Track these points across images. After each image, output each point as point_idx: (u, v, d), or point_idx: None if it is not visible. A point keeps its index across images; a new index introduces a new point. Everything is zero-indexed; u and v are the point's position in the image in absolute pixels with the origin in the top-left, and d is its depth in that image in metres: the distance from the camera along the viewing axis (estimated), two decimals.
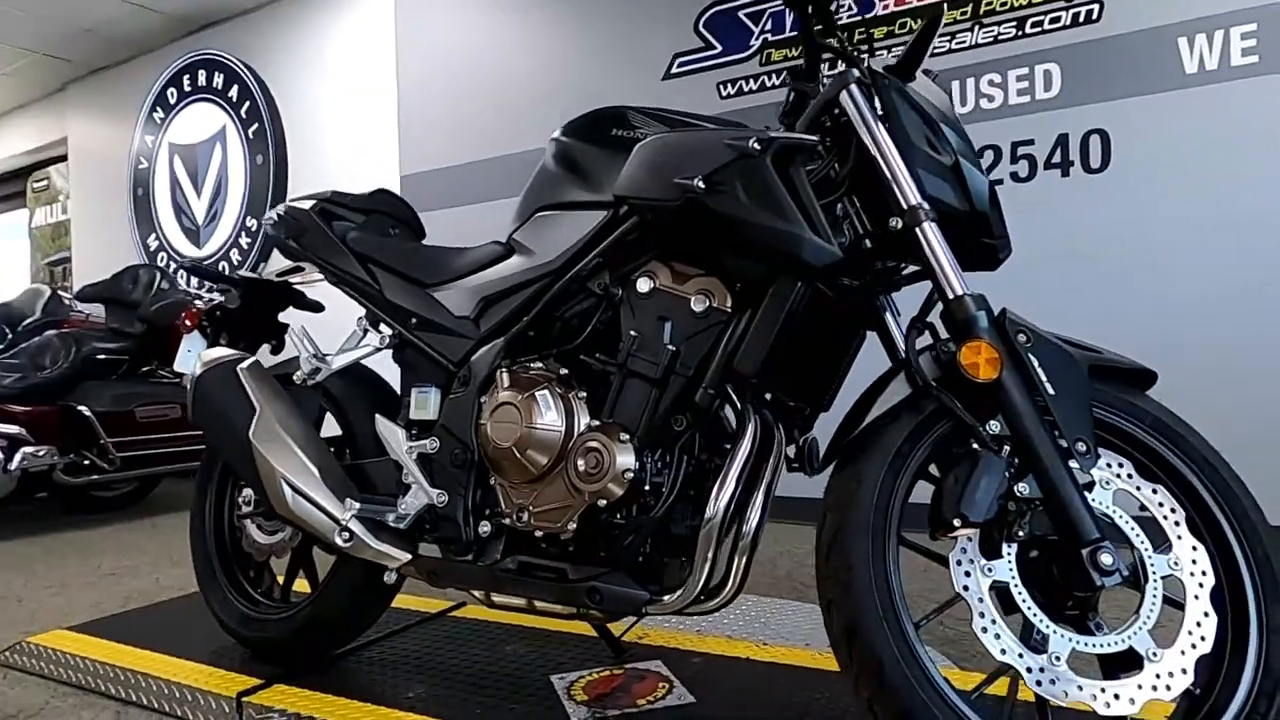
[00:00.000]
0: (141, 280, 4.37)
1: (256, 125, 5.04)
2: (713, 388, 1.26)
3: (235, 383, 1.61)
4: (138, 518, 4.10)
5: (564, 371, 1.39)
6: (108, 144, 5.92)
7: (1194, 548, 1.10)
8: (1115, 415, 1.16)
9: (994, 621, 1.06)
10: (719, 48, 3.55)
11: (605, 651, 1.75)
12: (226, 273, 3.87)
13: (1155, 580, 1.09)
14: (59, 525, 3.92)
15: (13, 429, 3.71)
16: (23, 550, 3.36)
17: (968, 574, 1.08)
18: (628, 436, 1.29)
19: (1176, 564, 1.09)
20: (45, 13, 5.06)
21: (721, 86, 3.54)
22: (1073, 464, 1.08)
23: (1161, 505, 1.12)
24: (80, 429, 3.83)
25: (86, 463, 3.87)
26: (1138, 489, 1.13)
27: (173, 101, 5.45)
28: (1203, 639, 1.06)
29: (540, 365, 1.42)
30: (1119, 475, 1.13)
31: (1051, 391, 1.11)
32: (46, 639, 2.00)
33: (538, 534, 1.36)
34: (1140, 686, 1.03)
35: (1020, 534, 1.08)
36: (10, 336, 4.47)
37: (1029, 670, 1.04)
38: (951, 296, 1.16)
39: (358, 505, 1.49)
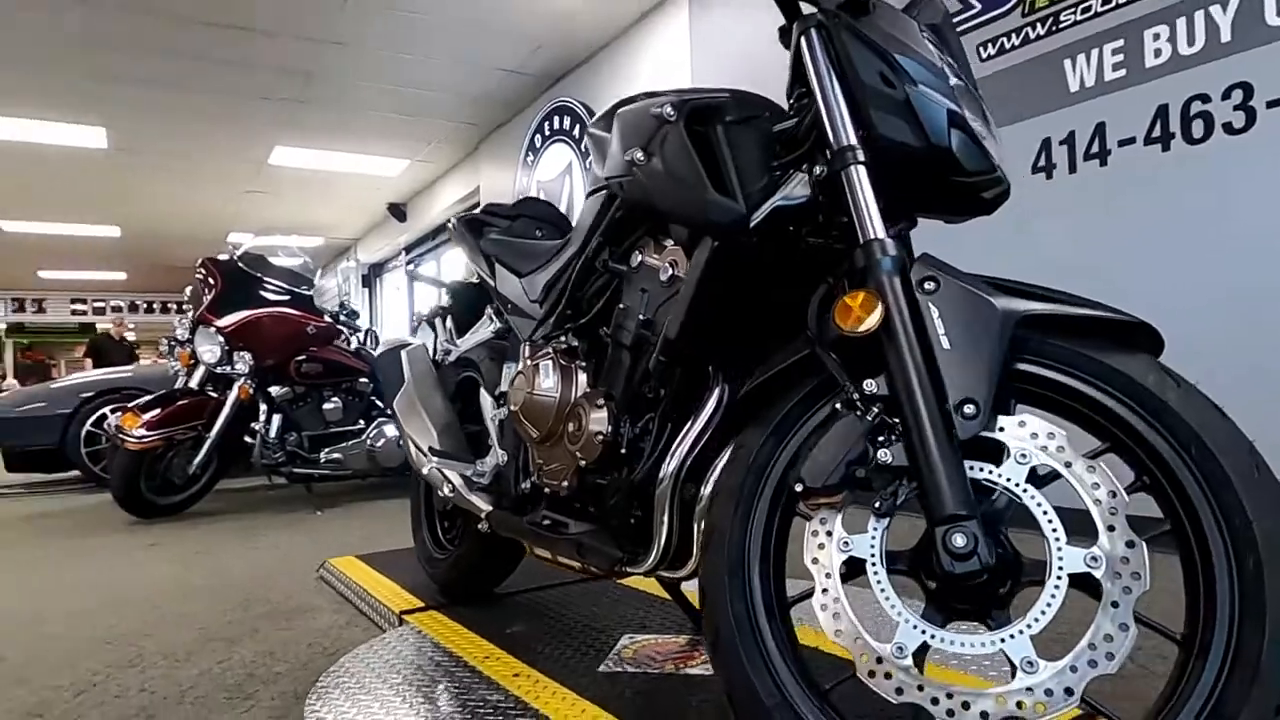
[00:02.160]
0: None
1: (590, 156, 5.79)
2: (665, 355, 1.28)
3: (397, 361, 2.02)
4: None
5: (574, 344, 1.51)
6: (504, 186, 7.27)
7: (1130, 544, 0.85)
8: (1069, 376, 0.94)
9: (835, 600, 0.94)
10: (977, 6, 3.21)
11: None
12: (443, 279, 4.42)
13: (1058, 576, 0.86)
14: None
15: None
16: (366, 512, 4.36)
17: (821, 546, 0.97)
18: (604, 402, 1.37)
19: (1095, 561, 0.85)
20: (457, 89, 6.40)
21: (982, 49, 3.20)
22: (958, 429, 0.91)
23: (1096, 487, 0.88)
24: None
25: None
26: (1067, 465, 0.90)
27: (539, 145, 6.51)
28: (1109, 658, 0.82)
29: (559, 339, 1.56)
30: (1045, 448, 0.91)
31: (946, 345, 0.94)
32: (338, 561, 2.69)
33: (548, 491, 1.51)
34: (1000, 700, 0.83)
35: (879, 506, 0.94)
36: None
37: (861, 658, 0.90)
38: (861, 241, 1.05)
39: (456, 463, 1.78)
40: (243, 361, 4.30)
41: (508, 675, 1.54)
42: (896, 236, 1.16)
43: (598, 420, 1.37)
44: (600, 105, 5.64)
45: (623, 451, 1.36)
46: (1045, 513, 0.89)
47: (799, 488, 0.96)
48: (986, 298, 0.95)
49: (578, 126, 5.95)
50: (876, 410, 0.95)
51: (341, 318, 4.72)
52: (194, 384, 4.43)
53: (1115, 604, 0.83)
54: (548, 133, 6.36)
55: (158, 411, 4.15)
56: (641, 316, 1.34)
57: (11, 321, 16.89)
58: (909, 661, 0.88)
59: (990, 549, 0.87)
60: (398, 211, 10.05)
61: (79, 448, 5.75)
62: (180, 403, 4.24)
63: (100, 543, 3.68)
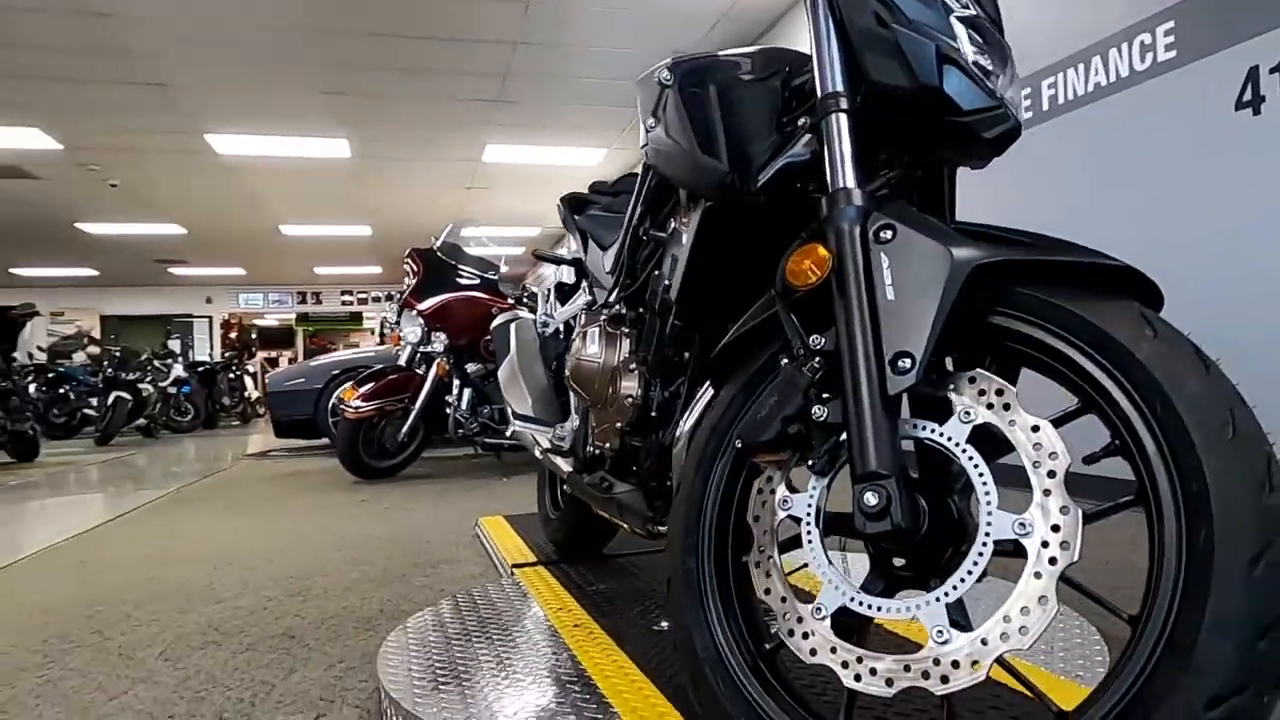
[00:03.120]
0: None
1: None
2: (676, 318, 1.30)
3: (506, 333, 2.17)
4: None
5: (622, 311, 1.56)
6: None
7: (1064, 509, 0.76)
8: (1038, 328, 0.85)
9: (769, 558, 0.91)
10: None
11: None
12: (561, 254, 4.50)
13: (983, 543, 0.78)
14: None
15: None
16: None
17: (764, 504, 0.94)
18: (635, 366, 1.41)
19: (1024, 528, 0.77)
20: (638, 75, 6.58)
21: None
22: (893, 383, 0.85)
23: (1038, 448, 0.79)
24: None
25: None
26: (1011, 424, 0.81)
27: None
28: (1022, 632, 0.73)
29: (610, 307, 1.60)
30: (991, 405, 0.83)
31: (890, 296, 0.88)
32: (487, 520, 2.94)
33: (598, 453, 1.57)
34: (907, 669, 0.78)
35: (814, 464, 0.90)
36: None
37: (784, 616, 0.87)
38: (829, 191, 1.00)
39: (539, 428, 1.89)
40: (439, 341, 4.77)
41: (569, 626, 1.63)
42: (886, 185, 1.10)
43: (629, 385, 1.41)
44: None
45: (653, 414, 1.40)
46: (981, 475, 0.81)
47: (738, 444, 0.94)
48: (941, 246, 0.88)
49: None
50: (817, 365, 0.92)
51: (524, 300, 5.07)
52: (402, 362, 4.99)
53: (1038, 574, 0.75)
54: None
55: (372, 385, 4.72)
56: (666, 283, 1.36)
57: (299, 312, 19.73)
58: (827, 623, 0.85)
59: (909, 510, 0.81)
60: None
61: (326, 417, 6.66)
62: (390, 378, 4.79)
63: (323, 498, 4.27)
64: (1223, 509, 0.68)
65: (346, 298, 18.99)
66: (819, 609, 0.86)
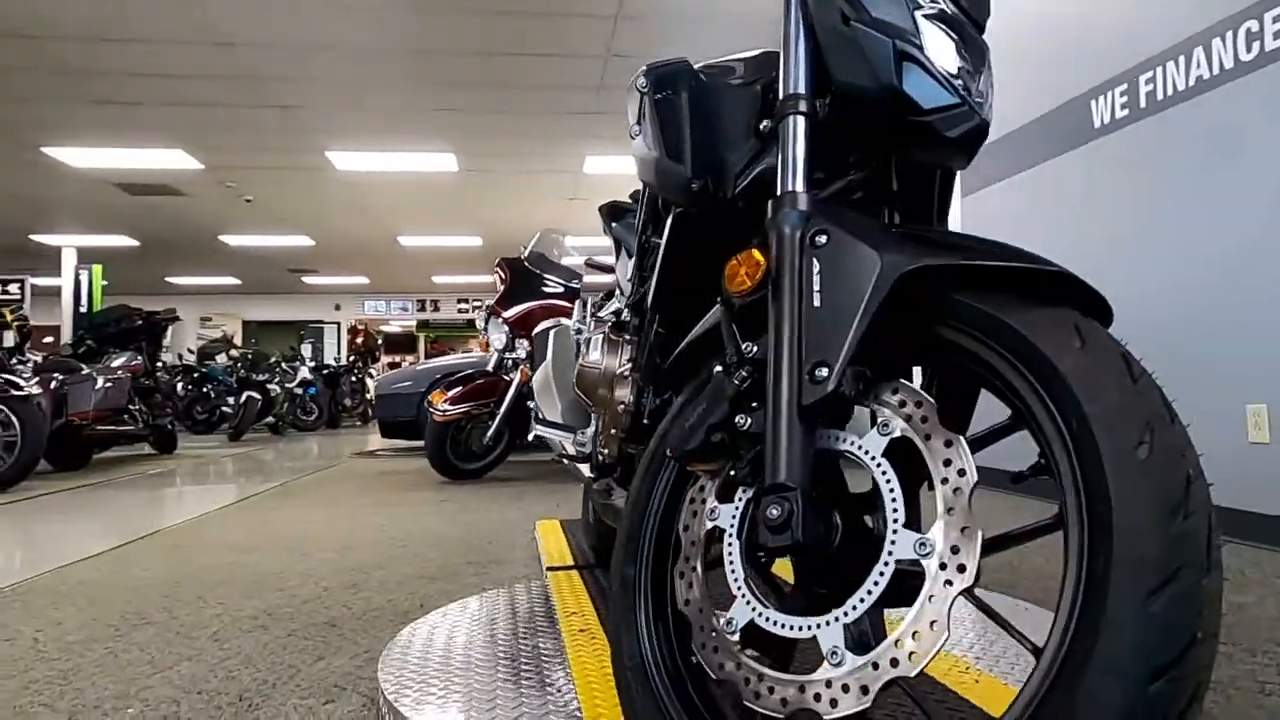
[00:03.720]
0: None
1: None
2: (663, 327, 1.29)
3: (544, 341, 2.21)
4: None
5: (625, 319, 1.56)
6: None
7: (965, 529, 0.71)
8: (969, 337, 0.80)
9: (694, 569, 0.89)
10: None
11: None
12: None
13: (885, 562, 0.74)
14: None
15: None
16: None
17: (694, 514, 0.92)
18: (628, 374, 1.42)
19: (924, 548, 0.72)
20: None
21: None
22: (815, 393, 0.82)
23: (948, 464, 0.74)
24: None
25: None
26: (926, 439, 0.77)
27: None
28: (910, 659, 0.69)
29: (620, 314, 1.61)
30: (910, 418, 0.79)
31: (816, 303, 0.85)
32: (542, 523, 3.00)
33: (603, 460, 1.58)
34: (802, 690, 0.74)
35: (737, 475, 0.87)
36: None
37: (700, 629, 0.85)
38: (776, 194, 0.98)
39: (560, 432, 1.92)
40: (522, 348, 4.90)
41: (575, 631, 1.65)
42: (849, 189, 1.07)
43: (623, 392, 1.41)
44: None
45: (645, 422, 1.39)
46: (891, 489, 0.77)
47: (667, 453, 0.93)
48: (871, 250, 0.84)
49: None
50: (745, 374, 0.90)
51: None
52: (490, 367, 5.15)
53: (932, 598, 0.70)
54: None
55: (459, 390, 4.90)
56: (642, 289, 1.36)
57: (419, 319, 20.70)
58: (736, 637, 0.83)
59: (811, 525, 0.78)
60: None
61: (428, 419, 6.95)
62: (476, 383, 4.96)
63: (408, 496, 4.46)
64: (1125, 535, 0.63)
65: (462, 305, 19.75)
66: (730, 622, 0.84)
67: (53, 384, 6.11)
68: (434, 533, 3.27)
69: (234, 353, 12.62)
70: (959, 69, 1.00)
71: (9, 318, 7.80)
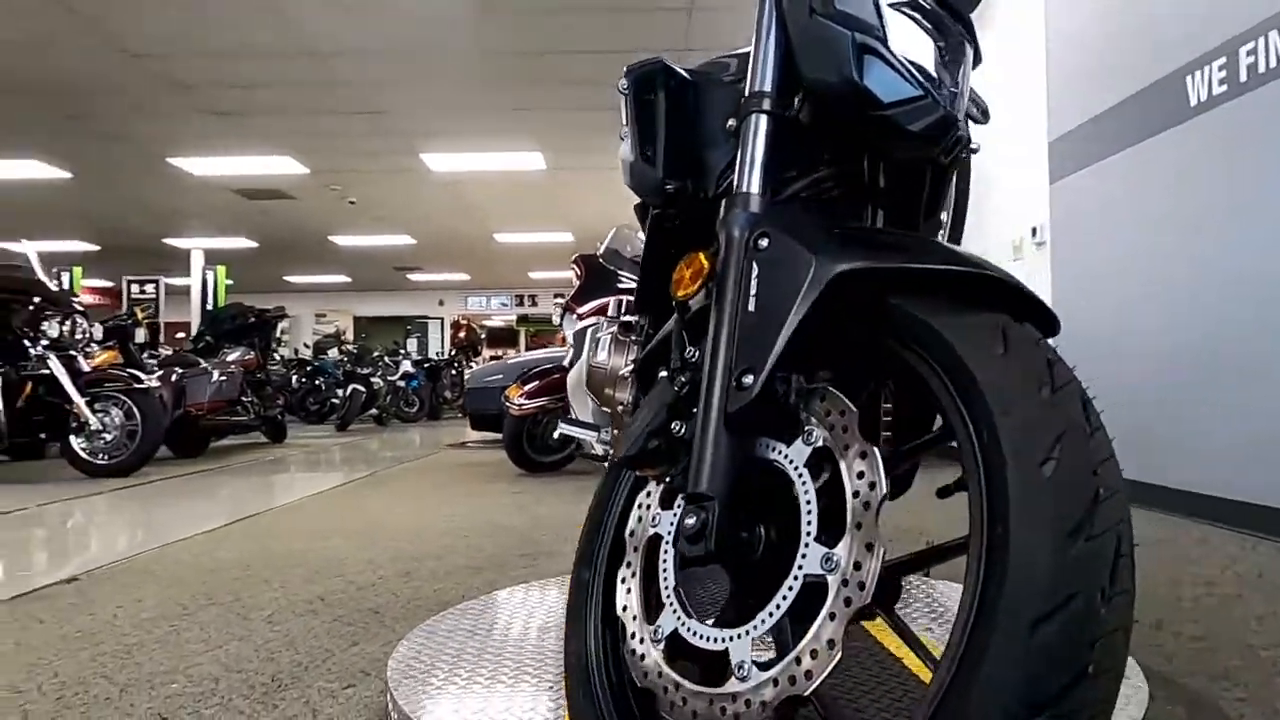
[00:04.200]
0: None
1: None
2: (653, 328, 1.28)
3: (581, 339, 2.24)
4: None
5: (630, 319, 1.56)
6: None
7: (869, 545, 0.68)
8: (900, 343, 0.77)
9: (633, 575, 0.88)
10: None
11: None
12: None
13: (795, 577, 0.72)
14: None
15: None
16: None
17: (639, 519, 0.91)
18: (628, 374, 1.42)
19: (830, 564, 0.69)
20: None
21: None
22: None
23: (861, 476, 0.71)
24: None
25: None
26: (845, 448, 0.74)
27: None
28: (807, 678, 0.67)
29: (626, 316, 1.61)
30: (833, 427, 0.76)
31: (751, 308, 0.83)
32: None
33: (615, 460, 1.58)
34: (711, 703, 0.73)
35: (672, 480, 0.86)
36: None
37: (631, 636, 0.84)
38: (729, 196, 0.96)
39: (584, 431, 1.94)
40: None
41: None
42: (815, 188, 1.03)
43: (623, 393, 1.42)
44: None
45: None
46: (808, 501, 0.75)
47: (614, 458, 0.93)
48: (807, 253, 0.82)
49: None
50: (685, 379, 0.89)
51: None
52: (566, 363, 5.23)
53: (833, 616, 0.67)
54: None
55: (534, 384, 5.00)
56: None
57: (520, 314, 21.26)
58: (661, 646, 0.82)
59: (725, 535, 0.76)
60: None
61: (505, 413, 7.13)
62: (552, 377, 5.05)
63: (484, 488, 4.60)
64: (1018, 558, 0.59)
65: (558, 300, 20.11)
66: (657, 631, 0.83)
67: (173, 377, 6.60)
68: (498, 524, 3.36)
69: (346, 347, 13.32)
70: (929, 60, 0.95)
71: (140, 316, 8.46)
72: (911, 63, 0.94)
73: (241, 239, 13.10)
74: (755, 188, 0.94)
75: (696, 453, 0.81)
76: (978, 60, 1.27)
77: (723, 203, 0.94)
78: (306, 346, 13.38)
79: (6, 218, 10.34)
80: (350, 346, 12.14)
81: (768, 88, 0.99)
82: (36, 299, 5.29)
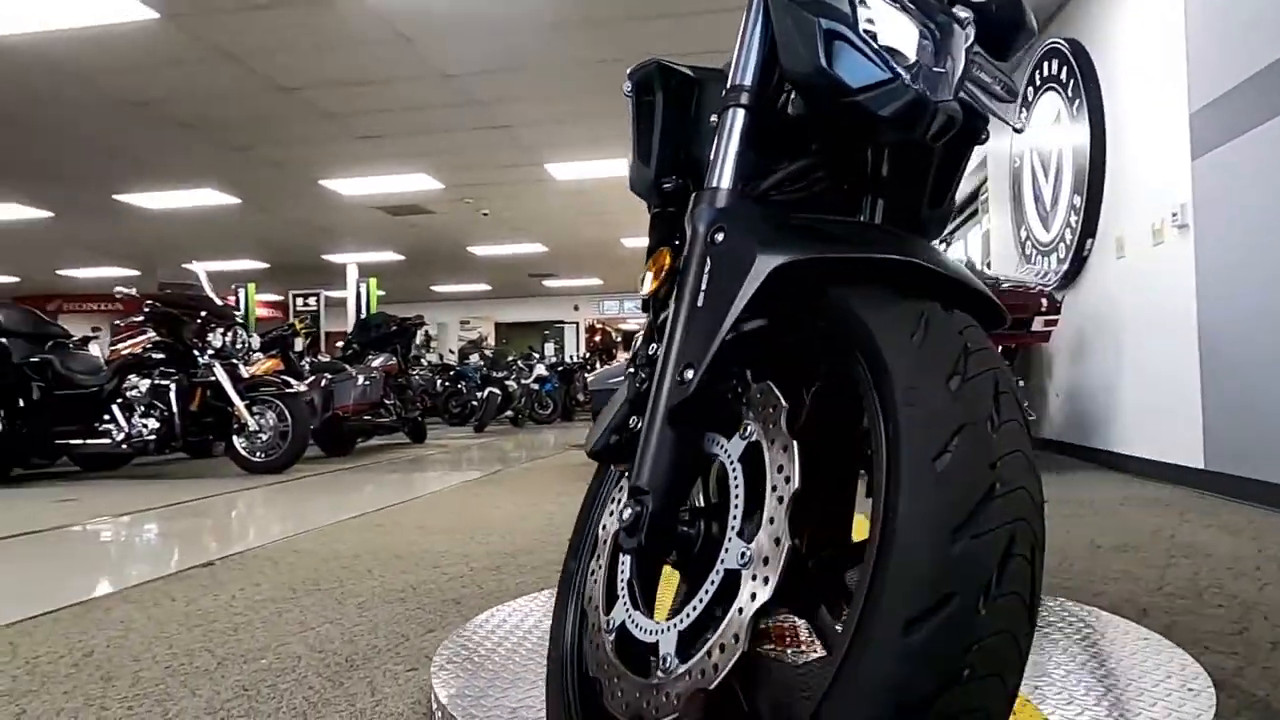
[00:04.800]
0: None
1: (1078, 101, 4.96)
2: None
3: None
4: None
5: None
6: (1001, 154, 6.66)
7: (777, 540, 0.66)
8: (837, 334, 0.75)
9: (601, 567, 0.89)
10: None
11: None
12: None
13: (718, 571, 0.71)
14: None
15: None
16: None
17: (610, 513, 0.92)
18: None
19: (744, 558, 0.68)
20: None
21: None
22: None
23: (780, 470, 0.70)
24: None
25: None
26: (772, 443, 0.72)
27: (1030, 98, 5.80)
28: (714, 670, 0.66)
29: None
30: (764, 421, 0.75)
31: (699, 303, 0.83)
32: None
33: None
34: (639, 694, 0.73)
35: (629, 474, 0.86)
36: None
37: (592, 627, 0.85)
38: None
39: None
40: None
41: None
42: (801, 180, 1.02)
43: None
44: (1096, 38, 4.80)
45: None
46: (736, 496, 0.74)
47: (587, 451, 0.95)
48: (752, 246, 0.81)
49: (1065, 69, 5.15)
50: (644, 375, 0.89)
51: None
52: None
53: (740, 610, 0.67)
54: (1038, 82, 5.64)
55: None
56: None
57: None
58: (612, 638, 0.83)
59: (657, 529, 0.76)
60: None
61: None
62: None
63: (573, 486, 4.71)
64: (900, 555, 0.57)
65: None
66: (609, 622, 0.84)
67: (322, 382, 7.17)
68: (553, 524, 3.44)
69: (485, 352, 13.97)
70: (909, 42, 0.92)
71: (298, 327, 9.23)
72: (885, 45, 0.91)
73: (390, 252, 14.00)
74: (725, 182, 0.93)
75: (640, 447, 0.82)
76: (1022, 40, 1.22)
77: (691, 197, 0.95)
78: (452, 352, 14.12)
79: (191, 240, 11.56)
80: (487, 351, 12.71)
81: (747, 81, 0.98)
82: (203, 313, 5.88)
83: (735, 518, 0.73)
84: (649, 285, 0.92)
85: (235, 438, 5.85)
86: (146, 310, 5.89)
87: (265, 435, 5.86)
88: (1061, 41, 5.17)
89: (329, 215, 10.86)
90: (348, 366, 7.77)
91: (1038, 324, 4.65)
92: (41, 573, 2.94)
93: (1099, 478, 4.47)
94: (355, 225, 11.60)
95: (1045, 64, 5.48)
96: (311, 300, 14.48)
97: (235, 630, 1.99)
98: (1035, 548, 0.57)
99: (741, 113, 0.97)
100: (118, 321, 8.03)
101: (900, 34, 0.92)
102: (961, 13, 1.05)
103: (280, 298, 16.36)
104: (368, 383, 7.64)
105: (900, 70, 0.89)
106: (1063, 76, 5.19)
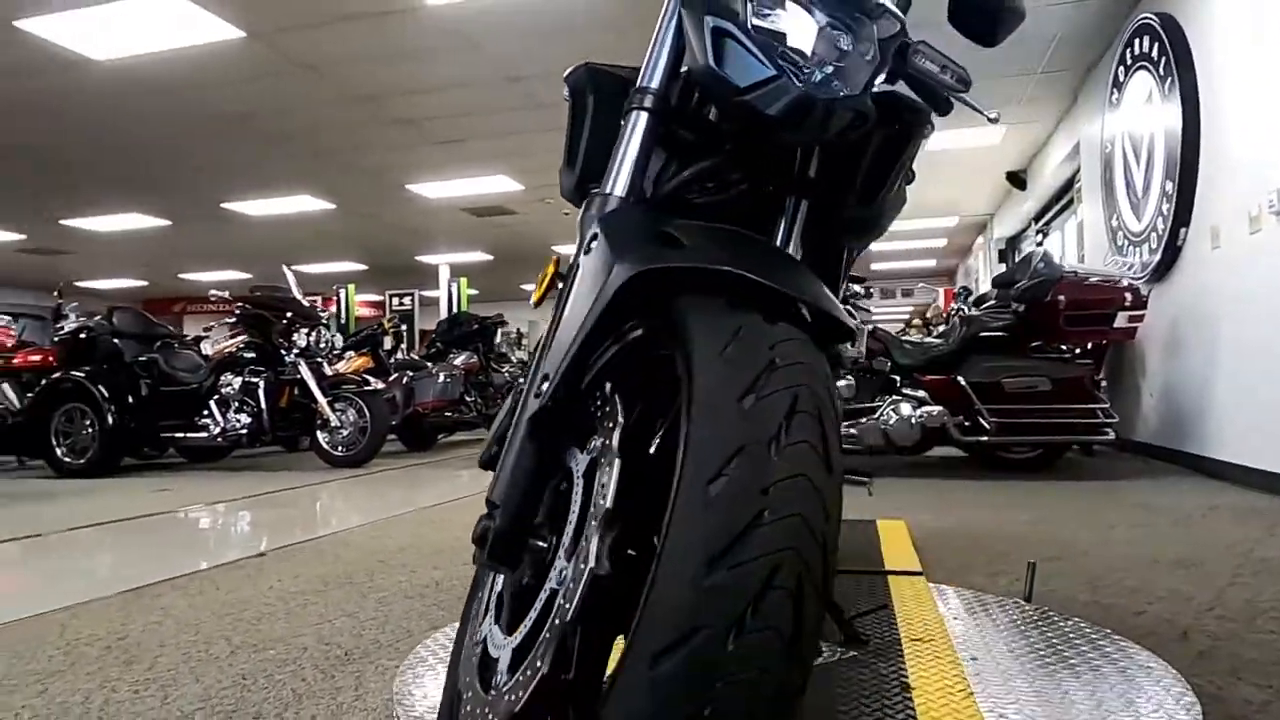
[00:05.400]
0: (1031, 261, 4.75)
1: (1169, 80, 4.61)
2: None
3: None
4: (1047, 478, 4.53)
5: None
6: (1092, 139, 6.26)
7: (584, 561, 0.64)
8: (672, 346, 0.72)
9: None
10: None
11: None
12: None
13: (548, 589, 0.69)
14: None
15: (919, 393, 4.73)
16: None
17: None
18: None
19: (562, 579, 0.67)
20: (1021, 37, 5.80)
21: None
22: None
23: (603, 488, 0.68)
24: (961, 396, 4.55)
25: (969, 424, 4.56)
26: (602, 459, 0.70)
27: (1121, 79, 5.43)
28: (522, 691, 0.64)
29: None
30: (604, 436, 0.73)
31: (564, 313, 0.81)
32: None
33: None
34: (486, 706, 0.72)
35: None
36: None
37: (470, 640, 0.85)
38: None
39: None
40: None
41: None
42: (709, 181, 0.99)
43: None
44: (1189, 12, 4.45)
45: None
46: (572, 513, 0.72)
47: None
48: (611, 255, 0.79)
49: (1156, 46, 4.79)
50: (523, 384, 0.88)
51: (853, 295, 4.91)
52: None
53: (548, 633, 0.65)
54: (1129, 61, 5.27)
55: None
56: None
57: None
58: (478, 651, 0.82)
59: (502, 544, 0.75)
60: (1017, 180, 9.43)
61: None
62: None
63: None
64: (659, 585, 0.54)
65: None
66: (477, 637, 0.84)
67: (404, 380, 7.43)
68: None
69: None
70: (801, 34, 0.88)
71: (386, 326, 9.60)
72: (781, 42, 0.87)
73: (479, 252, 14.39)
74: (617, 188, 0.92)
75: (500, 459, 0.81)
76: (1011, 23, 1.16)
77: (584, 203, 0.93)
78: None
79: (294, 244, 12.21)
80: None
81: (652, 84, 0.96)
82: (289, 314, 6.20)
83: (568, 535, 0.72)
84: (535, 294, 0.91)
85: (319, 433, 6.14)
86: (238, 312, 6.25)
87: (346, 431, 6.12)
88: (1152, 16, 4.81)
89: (418, 218, 11.25)
90: (429, 365, 8.02)
91: (1121, 320, 4.36)
92: (113, 559, 3.17)
93: (1190, 484, 4.15)
94: (444, 227, 11.97)
95: (1136, 41, 5.12)
96: (406, 300, 15.03)
97: (259, 620, 2.09)
98: (806, 579, 0.53)
99: (645, 116, 0.95)
100: (213, 323, 8.57)
101: (796, 27, 0.88)
102: (890, 4, 1.01)
103: (379, 298, 17.07)
104: (448, 380, 7.87)
105: (786, 67, 0.85)
106: (1154, 54, 4.84)
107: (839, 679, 1.33)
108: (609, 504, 0.65)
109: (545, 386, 0.78)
